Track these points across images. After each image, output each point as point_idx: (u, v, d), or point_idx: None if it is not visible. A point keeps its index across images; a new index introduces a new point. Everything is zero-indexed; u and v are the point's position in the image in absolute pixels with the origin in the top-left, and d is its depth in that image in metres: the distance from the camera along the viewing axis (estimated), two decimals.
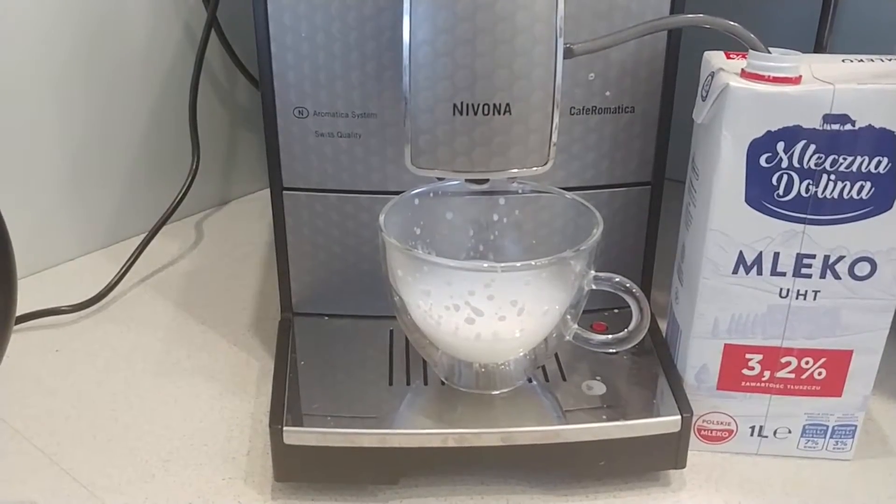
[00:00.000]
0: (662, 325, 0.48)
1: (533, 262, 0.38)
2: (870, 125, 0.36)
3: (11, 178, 0.60)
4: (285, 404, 0.41)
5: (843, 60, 0.40)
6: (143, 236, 0.65)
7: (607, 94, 0.45)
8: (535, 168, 0.40)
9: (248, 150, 0.78)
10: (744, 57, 0.39)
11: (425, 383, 0.43)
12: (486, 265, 0.41)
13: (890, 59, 0.40)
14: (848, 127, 0.36)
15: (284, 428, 0.39)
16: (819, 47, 0.66)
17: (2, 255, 0.35)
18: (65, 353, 0.54)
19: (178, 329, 0.57)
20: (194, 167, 0.67)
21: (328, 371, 0.44)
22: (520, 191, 0.45)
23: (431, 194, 0.44)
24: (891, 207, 0.38)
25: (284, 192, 0.47)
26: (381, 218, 0.41)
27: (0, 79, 0.57)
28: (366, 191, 0.46)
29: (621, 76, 0.44)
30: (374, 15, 0.42)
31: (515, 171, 0.39)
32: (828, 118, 0.36)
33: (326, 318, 0.49)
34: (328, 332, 0.48)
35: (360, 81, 0.43)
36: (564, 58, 0.38)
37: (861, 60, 0.40)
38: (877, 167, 0.37)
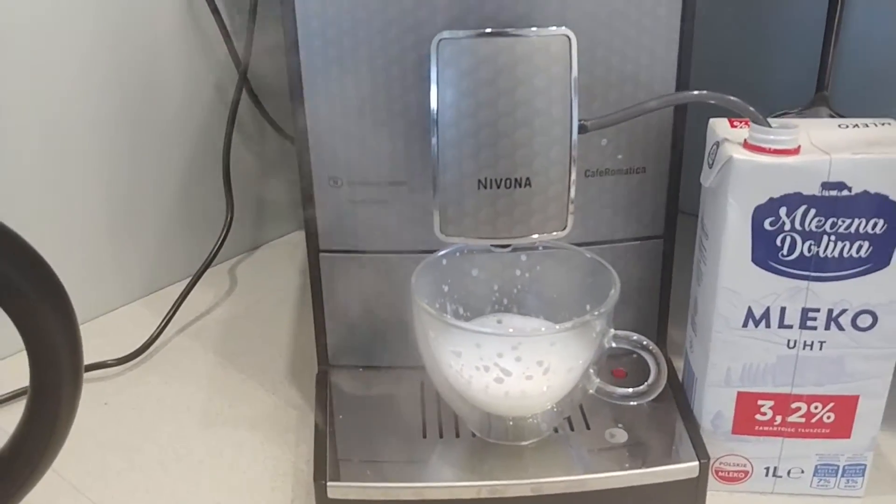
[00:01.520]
0: (680, 364, 0.51)
1: (557, 327, 0.41)
2: (865, 191, 0.39)
3: (56, 232, 0.63)
4: (327, 459, 0.44)
5: (839, 126, 0.43)
6: (178, 285, 0.69)
7: (619, 156, 0.48)
8: (554, 233, 0.43)
9: (277, 196, 0.81)
10: (746, 124, 0.42)
11: (457, 435, 0.46)
12: (512, 330, 0.44)
13: (883, 124, 0.42)
14: (845, 193, 0.39)
15: (328, 483, 0.42)
16: (820, 92, 0.69)
17: (69, 329, 0.39)
18: (113, 405, 0.57)
19: (219, 379, 0.60)
20: (228, 220, 0.70)
21: (365, 424, 0.47)
22: (540, 248, 0.48)
23: (458, 254, 0.47)
24: (889, 264, 0.40)
25: (321, 254, 0.50)
26: (413, 281, 0.44)
27: (48, 138, 0.61)
28: (396, 251, 0.49)
29: (632, 140, 0.47)
30: (401, 95, 0.45)
31: (536, 236, 0.42)
32: (826, 185, 0.39)
33: (361, 369, 0.52)
34: (363, 384, 0.51)
35: (390, 153, 0.47)
36: (579, 133, 0.41)
37: (856, 126, 0.42)
38: (874, 228, 0.40)
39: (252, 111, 0.74)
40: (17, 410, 0.37)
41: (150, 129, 0.67)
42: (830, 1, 0.66)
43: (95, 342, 0.64)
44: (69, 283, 0.36)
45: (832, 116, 0.68)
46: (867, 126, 0.42)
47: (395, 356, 0.51)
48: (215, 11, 0.67)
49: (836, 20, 0.67)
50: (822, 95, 0.70)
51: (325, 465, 0.44)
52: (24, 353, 0.36)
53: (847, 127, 0.42)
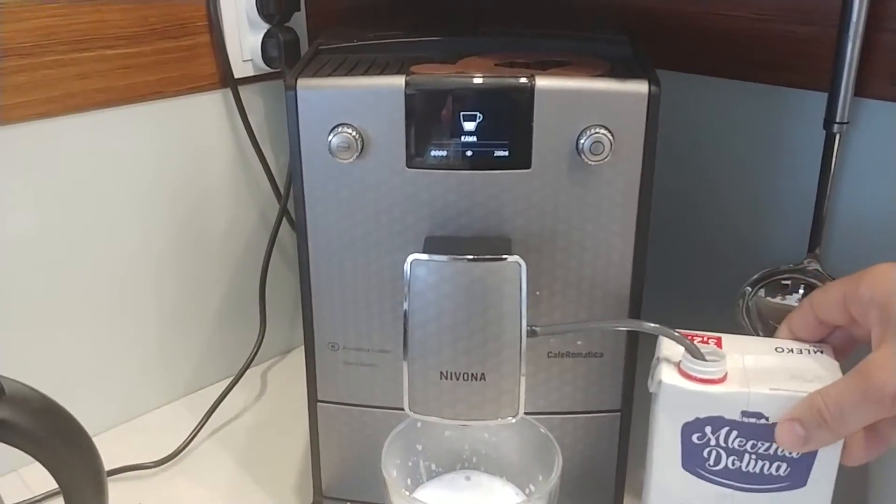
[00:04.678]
0: None
1: None
2: None
3: (115, 337, 0.73)
4: None
5: (776, 349, 0.47)
6: (217, 385, 0.78)
7: (579, 342, 0.54)
8: (508, 418, 0.49)
9: None
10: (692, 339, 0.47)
11: None
12: None
13: (817, 351, 0.47)
14: (763, 421, 0.44)
15: None
16: (812, 252, 0.73)
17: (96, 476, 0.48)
18: None
19: (237, 487, 0.68)
20: (260, 337, 0.79)
21: None
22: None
23: None
24: (805, 484, 0.45)
25: (318, 403, 0.58)
26: (385, 447, 0.51)
27: (109, 262, 0.71)
28: (382, 406, 0.57)
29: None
30: (391, 280, 0.53)
31: (491, 421, 0.49)
32: (745, 413, 0.44)
33: (349, 503, 0.60)
34: None
35: (380, 326, 0.54)
36: (528, 337, 0.48)
37: (791, 351, 0.47)
38: (790, 452, 0.44)
39: (290, 232, 0.83)
40: None
41: (199, 248, 0.77)
42: (822, 168, 0.71)
43: (137, 440, 0.73)
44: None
45: (820, 273, 0.73)
46: (801, 352, 0.47)
47: (380, 494, 0.58)
48: (260, 155, 0.77)
49: (828, 186, 0.72)
50: (813, 254, 0.74)
51: None
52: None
53: (783, 351, 0.47)
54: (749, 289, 0.75)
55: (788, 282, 0.74)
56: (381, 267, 0.53)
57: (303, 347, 0.90)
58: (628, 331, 0.54)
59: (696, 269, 0.76)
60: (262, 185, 0.80)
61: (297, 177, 0.52)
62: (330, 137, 0.50)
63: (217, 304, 0.81)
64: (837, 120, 0.70)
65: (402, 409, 0.54)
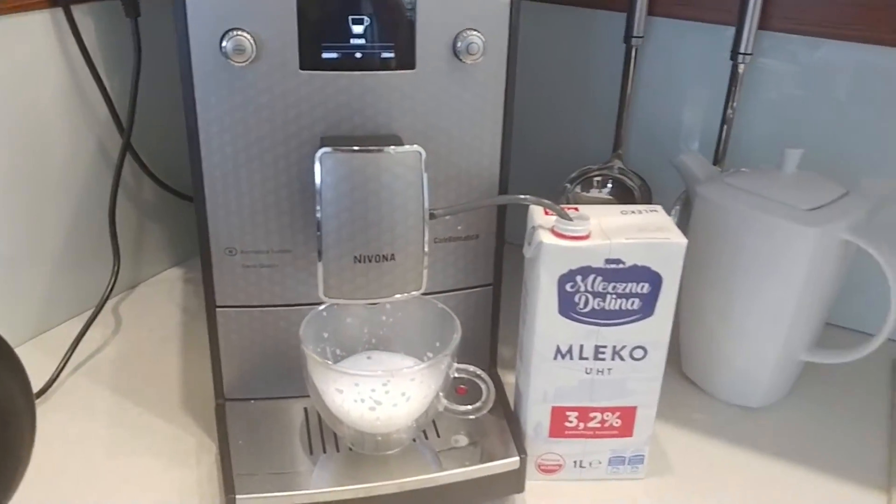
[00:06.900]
0: (512, 379, 0.65)
1: (415, 367, 0.54)
2: (635, 264, 0.54)
3: None
4: (233, 477, 0.55)
5: (621, 212, 0.58)
6: (62, 326, 0.76)
7: (459, 227, 0.61)
8: (413, 292, 0.56)
9: (152, 239, 0.88)
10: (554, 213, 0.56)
11: (337, 450, 0.58)
12: (382, 371, 0.56)
13: (652, 211, 0.58)
14: (621, 265, 0.54)
15: (237, 496, 0.53)
16: (616, 151, 0.86)
17: (26, 392, 0.47)
18: None
19: (118, 414, 0.68)
20: (115, 270, 0.78)
21: (261, 446, 0.58)
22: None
23: (335, 307, 0.59)
24: (653, 314, 0.56)
25: (217, 308, 0.60)
26: (301, 333, 0.55)
27: None
28: (282, 304, 0.60)
29: (469, 216, 0.61)
30: (287, 182, 0.56)
31: (399, 296, 0.55)
32: (608, 261, 0.54)
33: (253, 401, 0.63)
34: (256, 413, 0.61)
35: (278, 227, 0.57)
36: (430, 219, 0.54)
37: (633, 212, 0.57)
38: (642, 289, 0.55)
39: (131, 165, 0.81)
40: None
41: (33, 183, 0.73)
42: (623, 78, 0.84)
43: None
44: None
45: (623, 170, 0.86)
46: (641, 213, 0.58)
47: (281, 389, 0.62)
48: (98, 81, 0.74)
49: (626, 96, 0.85)
50: (617, 154, 0.87)
51: (232, 483, 0.54)
52: None
53: (627, 213, 0.58)
54: (568, 185, 0.87)
55: (599, 178, 0.87)
56: (278, 170, 0.56)
57: (149, 281, 0.89)
58: (498, 214, 0.62)
59: (523, 170, 0.86)
60: (99, 113, 0.77)
61: (187, 85, 0.53)
62: (224, 43, 0.51)
63: (59, 242, 0.77)
64: (634, 35, 0.82)
65: (304, 305, 0.59)
